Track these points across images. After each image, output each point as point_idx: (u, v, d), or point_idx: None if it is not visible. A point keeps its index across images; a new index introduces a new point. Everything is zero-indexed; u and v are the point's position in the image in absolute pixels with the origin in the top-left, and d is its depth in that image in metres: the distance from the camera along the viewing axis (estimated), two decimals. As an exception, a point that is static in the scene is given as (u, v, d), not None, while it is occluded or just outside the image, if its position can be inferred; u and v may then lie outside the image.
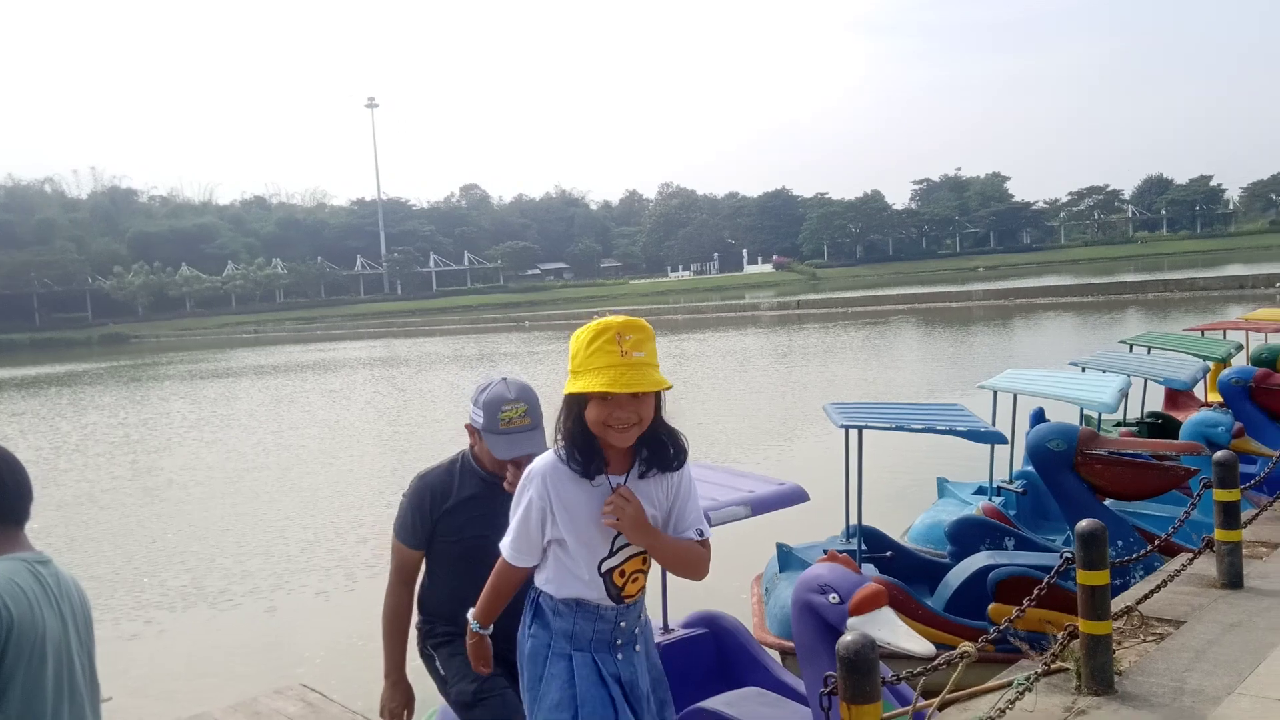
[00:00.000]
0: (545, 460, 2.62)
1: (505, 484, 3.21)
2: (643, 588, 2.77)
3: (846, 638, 2.91)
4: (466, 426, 3.45)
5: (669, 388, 2.50)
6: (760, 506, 3.96)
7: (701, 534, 2.67)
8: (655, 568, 2.78)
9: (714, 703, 3.77)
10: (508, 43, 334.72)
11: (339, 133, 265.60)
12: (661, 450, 2.59)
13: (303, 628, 8.56)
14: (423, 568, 3.59)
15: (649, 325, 2.50)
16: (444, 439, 18.05)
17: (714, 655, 4.44)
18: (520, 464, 3.09)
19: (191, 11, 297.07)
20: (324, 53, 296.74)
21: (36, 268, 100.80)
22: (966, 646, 3.45)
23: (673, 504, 2.65)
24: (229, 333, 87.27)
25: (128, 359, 56.01)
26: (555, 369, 31.05)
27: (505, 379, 3.35)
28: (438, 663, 3.55)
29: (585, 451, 2.53)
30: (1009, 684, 3.97)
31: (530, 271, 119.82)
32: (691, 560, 2.66)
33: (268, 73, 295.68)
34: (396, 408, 24.79)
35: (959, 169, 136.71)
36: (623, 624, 2.73)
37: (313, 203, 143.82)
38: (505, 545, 2.70)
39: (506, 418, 3.28)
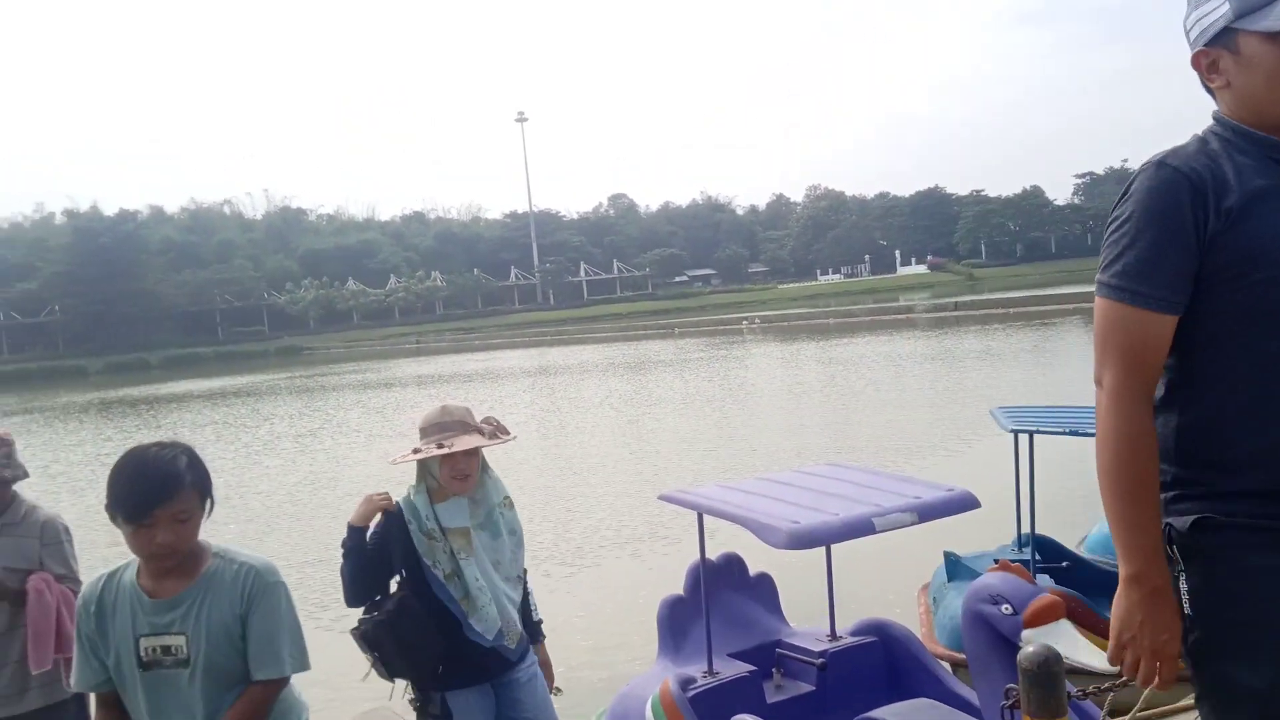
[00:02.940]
0: None
1: None
2: None
3: (1029, 649, 2.81)
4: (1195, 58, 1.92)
5: None
6: (928, 513, 3.83)
7: None
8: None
9: (884, 713, 3.68)
10: (650, 53, 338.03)
11: (491, 148, 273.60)
12: None
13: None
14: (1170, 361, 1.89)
15: None
16: (609, 449, 18.32)
17: (883, 664, 4.37)
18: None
19: (351, 37, 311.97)
20: (475, 70, 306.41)
21: (218, 285, 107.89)
22: (1157, 662, 3.29)
23: None
24: (393, 344, 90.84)
25: (301, 370, 59.07)
26: (708, 375, 31.14)
27: None
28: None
29: None
30: (1203, 702, 3.77)
31: (678, 278, 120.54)
32: None
33: (422, 93, 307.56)
34: (558, 416, 25.30)
35: (1125, 161, 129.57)
36: None
37: (468, 216, 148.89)
38: None
39: None
